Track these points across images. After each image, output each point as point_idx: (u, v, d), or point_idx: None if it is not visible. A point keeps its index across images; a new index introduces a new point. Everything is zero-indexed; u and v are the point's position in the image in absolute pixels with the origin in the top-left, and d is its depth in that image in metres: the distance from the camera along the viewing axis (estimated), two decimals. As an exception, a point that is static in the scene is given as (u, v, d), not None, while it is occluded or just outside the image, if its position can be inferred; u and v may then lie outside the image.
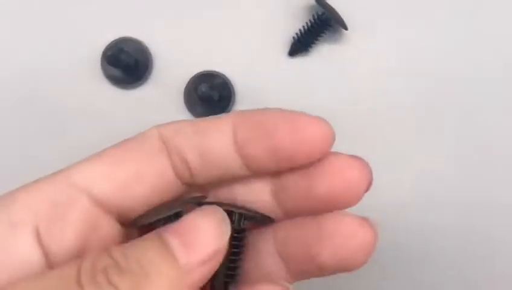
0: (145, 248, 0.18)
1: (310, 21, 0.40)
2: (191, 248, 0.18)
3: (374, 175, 0.22)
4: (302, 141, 0.21)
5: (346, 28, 0.41)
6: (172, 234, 0.18)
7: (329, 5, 0.40)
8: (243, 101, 0.41)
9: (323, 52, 0.41)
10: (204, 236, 0.18)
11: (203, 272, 0.18)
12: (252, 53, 0.41)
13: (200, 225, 0.19)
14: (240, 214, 0.21)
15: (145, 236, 0.19)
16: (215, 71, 0.40)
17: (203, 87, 0.38)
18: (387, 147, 0.40)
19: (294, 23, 0.41)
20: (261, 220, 0.22)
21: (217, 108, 0.40)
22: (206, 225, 0.19)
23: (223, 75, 0.40)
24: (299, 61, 0.41)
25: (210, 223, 0.19)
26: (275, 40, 0.41)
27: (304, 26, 0.40)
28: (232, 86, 0.41)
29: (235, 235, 0.22)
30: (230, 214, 0.21)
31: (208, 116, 0.36)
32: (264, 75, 0.41)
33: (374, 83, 0.41)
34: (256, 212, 0.22)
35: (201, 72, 0.40)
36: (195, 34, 0.41)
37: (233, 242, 0.22)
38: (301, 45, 0.40)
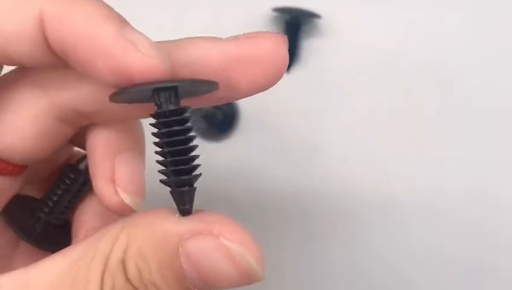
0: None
1: (285, 31, 0.39)
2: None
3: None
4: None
5: (319, 17, 0.40)
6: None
7: (289, 8, 0.40)
8: (248, 120, 0.40)
9: (312, 51, 0.40)
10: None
11: None
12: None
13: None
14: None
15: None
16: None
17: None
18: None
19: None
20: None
21: (221, 126, 0.39)
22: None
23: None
24: (295, 71, 0.40)
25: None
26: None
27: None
28: (236, 104, 0.40)
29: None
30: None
31: (212, 135, 0.39)
32: (265, 92, 0.40)
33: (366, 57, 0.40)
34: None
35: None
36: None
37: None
38: (291, 56, 0.39)
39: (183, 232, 0.17)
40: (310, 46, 0.40)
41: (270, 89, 0.39)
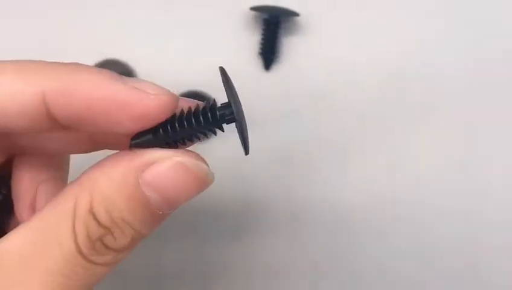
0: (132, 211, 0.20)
1: (264, 30, 0.39)
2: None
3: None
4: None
5: (297, 15, 0.39)
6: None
7: (267, 6, 0.40)
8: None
9: (292, 49, 0.41)
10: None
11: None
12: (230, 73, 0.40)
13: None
14: None
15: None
16: (202, 91, 0.40)
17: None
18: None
19: (251, 37, 0.40)
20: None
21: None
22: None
23: (209, 95, 0.39)
24: (275, 70, 0.40)
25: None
26: (244, 58, 0.40)
27: (262, 38, 0.40)
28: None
29: None
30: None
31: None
32: (246, 92, 0.40)
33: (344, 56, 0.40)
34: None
35: (187, 91, 0.39)
36: (178, 56, 0.41)
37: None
38: (271, 54, 0.40)
39: (138, 167, 0.20)
40: (289, 44, 0.40)
41: (250, 88, 0.40)
